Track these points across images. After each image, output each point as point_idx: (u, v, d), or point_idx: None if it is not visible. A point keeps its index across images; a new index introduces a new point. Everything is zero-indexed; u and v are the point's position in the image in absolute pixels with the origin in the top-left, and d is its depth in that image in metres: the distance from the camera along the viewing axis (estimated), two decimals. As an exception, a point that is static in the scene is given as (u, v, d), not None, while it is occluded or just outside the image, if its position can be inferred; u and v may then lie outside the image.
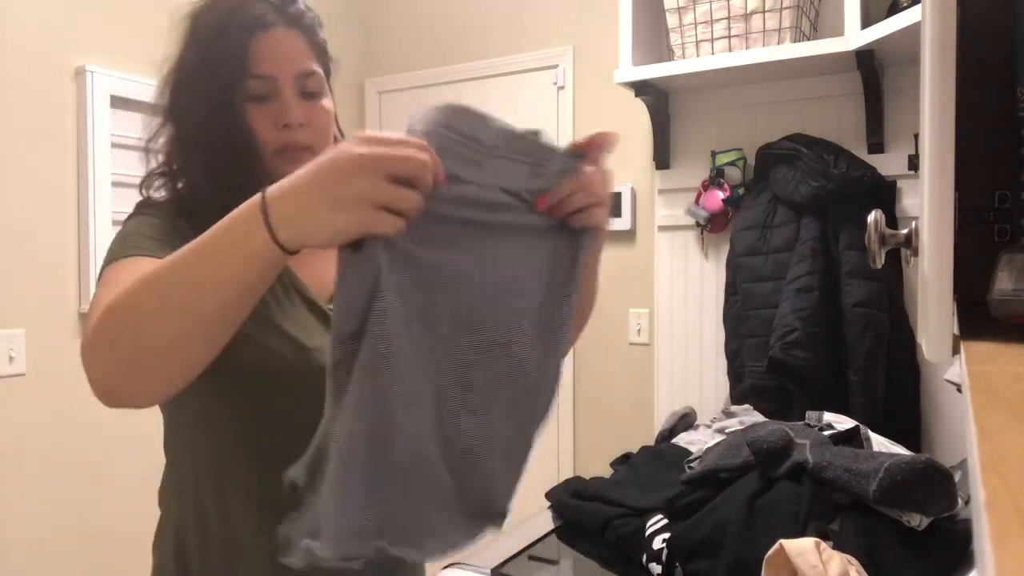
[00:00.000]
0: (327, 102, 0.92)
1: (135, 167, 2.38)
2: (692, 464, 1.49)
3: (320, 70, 0.91)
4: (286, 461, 0.67)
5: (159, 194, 0.93)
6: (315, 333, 0.87)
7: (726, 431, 1.69)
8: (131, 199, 2.26)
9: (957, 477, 1.31)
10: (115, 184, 2.14)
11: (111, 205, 2.13)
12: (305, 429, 0.67)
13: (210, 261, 0.65)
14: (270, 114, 0.86)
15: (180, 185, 0.91)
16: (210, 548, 0.89)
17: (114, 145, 2.15)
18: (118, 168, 2.15)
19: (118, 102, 2.16)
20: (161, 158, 0.92)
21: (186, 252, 0.65)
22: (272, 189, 0.63)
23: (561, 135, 2.54)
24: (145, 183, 0.93)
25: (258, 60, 0.85)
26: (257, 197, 0.63)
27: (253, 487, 0.86)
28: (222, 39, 0.84)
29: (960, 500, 1.16)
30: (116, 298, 0.67)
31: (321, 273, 0.90)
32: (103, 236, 2.08)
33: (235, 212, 0.65)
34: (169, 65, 0.89)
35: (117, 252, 0.82)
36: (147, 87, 2.41)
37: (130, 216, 0.90)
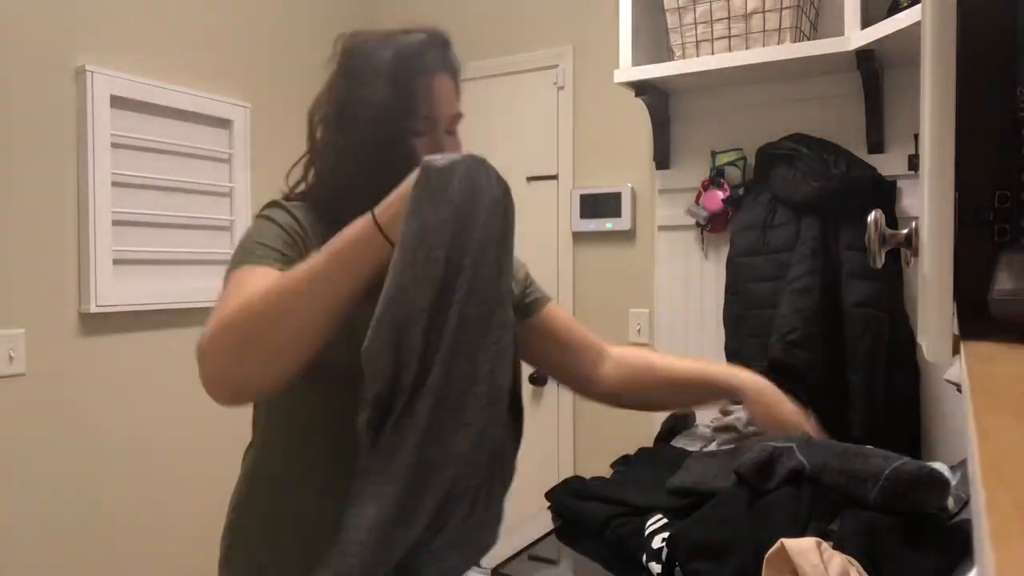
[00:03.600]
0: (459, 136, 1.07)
1: (135, 167, 2.38)
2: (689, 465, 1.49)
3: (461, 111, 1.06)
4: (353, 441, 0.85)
5: (300, 187, 1.08)
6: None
7: (725, 430, 1.69)
8: (131, 199, 2.29)
9: (957, 477, 1.31)
10: (115, 184, 2.14)
11: (111, 205, 2.12)
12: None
13: (334, 279, 0.83)
14: (426, 148, 0.99)
15: (329, 190, 1.03)
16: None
17: (114, 145, 2.15)
18: (118, 168, 2.15)
19: (118, 102, 2.16)
20: (317, 163, 1.06)
21: (311, 270, 0.83)
22: (378, 211, 0.84)
23: (561, 135, 2.54)
24: (300, 176, 1.07)
25: (427, 102, 0.99)
26: (368, 221, 0.83)
27: (326, 465, 0.99)
28: (402, 79, 0.97)
29: (959, 500, 1.16)
30: (246, 302, 0.82)
31: None
32: (103, 236, 2.08)
33: (350, 236, 0.83)
34: (336, 87, 1.02)
35: (240, 258, 0.95)
36: (147, 87, 2.41)
37: (261, 212, 1.03)
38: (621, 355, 1.28)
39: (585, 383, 1.29)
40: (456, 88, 1.05)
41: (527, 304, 1.23)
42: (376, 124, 0.97)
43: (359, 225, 0.84)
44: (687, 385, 1.27)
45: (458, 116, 1.04)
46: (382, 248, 0.83)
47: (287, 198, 1.07)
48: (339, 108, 1.01)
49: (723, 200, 2.15)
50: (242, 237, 1.00)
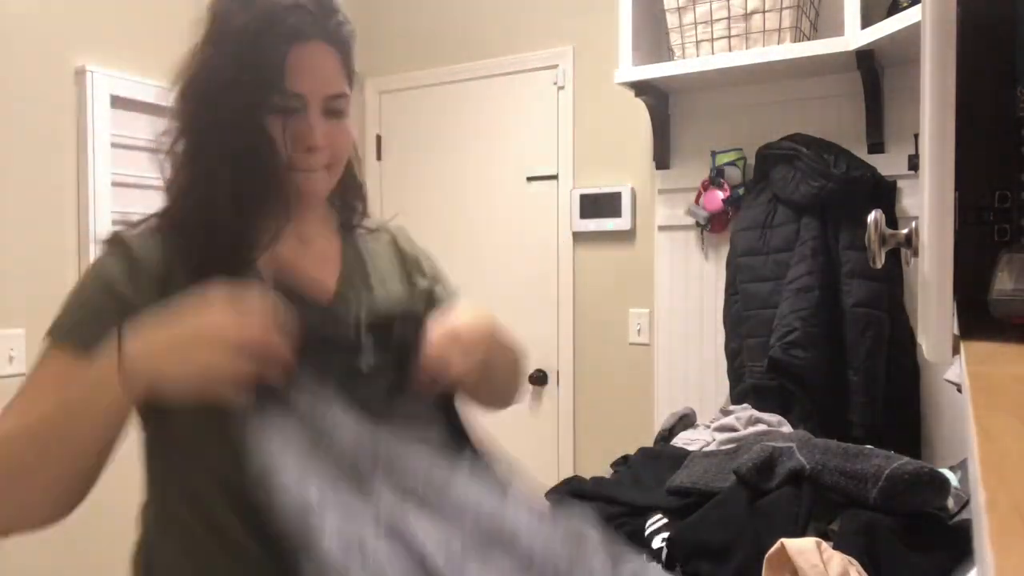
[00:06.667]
0: (349, 123, 0.89)
1: (135, 167, 2.38)
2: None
3: (349, 91, 0.87)
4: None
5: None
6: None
7: (725, 430, 1.69)
8: (131, 199, 2.27)
9: (957, 477, 1.31)
10: (115, 184, 2.14)
11: (111, 205, 2.12)
12: None
13: (67, 437, 0.73)
14: (290, 130, 0.82)
15: (187, 199, 0.85)
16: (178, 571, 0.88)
17: (114, 145, 2.15)
18: (118, 168, 2.15)
19: (118, 102, 2.16)
20: (171, 166, 0.86)
21: (42, 423, 0.72)
22: (131, 352, 0.70)
23: (561, 135, 2.54)
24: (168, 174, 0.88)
25: (291, 75, 0.80)
26: (112, 362, 0.70)
27: (224, 513, 0.83)
28: (257, 46, 0.79)
29: (959, 500, 1.17)
30: None
31: (317, 272, 0.91)
32: (103, 236, 2.07)
33: (85, 381, 0.73)
34: (190, 61, 0.83)
35: (56, 328, 0.81)
36: (147, 87, 2.40)
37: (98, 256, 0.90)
38: None
39: None
40: (342, 63, 0.85)
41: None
42: (223, 99, 0.80)
43: (100, 366, 0.71)
44: None
45: (339, 96, 0.85)
46: (121, 402, 0.72)
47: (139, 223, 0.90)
48: (188, 83, 0.83)
49: (723, 200, 2.15)
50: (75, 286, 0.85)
